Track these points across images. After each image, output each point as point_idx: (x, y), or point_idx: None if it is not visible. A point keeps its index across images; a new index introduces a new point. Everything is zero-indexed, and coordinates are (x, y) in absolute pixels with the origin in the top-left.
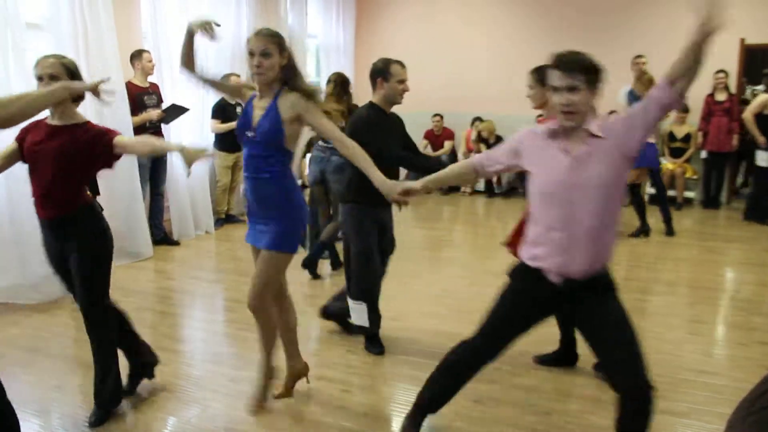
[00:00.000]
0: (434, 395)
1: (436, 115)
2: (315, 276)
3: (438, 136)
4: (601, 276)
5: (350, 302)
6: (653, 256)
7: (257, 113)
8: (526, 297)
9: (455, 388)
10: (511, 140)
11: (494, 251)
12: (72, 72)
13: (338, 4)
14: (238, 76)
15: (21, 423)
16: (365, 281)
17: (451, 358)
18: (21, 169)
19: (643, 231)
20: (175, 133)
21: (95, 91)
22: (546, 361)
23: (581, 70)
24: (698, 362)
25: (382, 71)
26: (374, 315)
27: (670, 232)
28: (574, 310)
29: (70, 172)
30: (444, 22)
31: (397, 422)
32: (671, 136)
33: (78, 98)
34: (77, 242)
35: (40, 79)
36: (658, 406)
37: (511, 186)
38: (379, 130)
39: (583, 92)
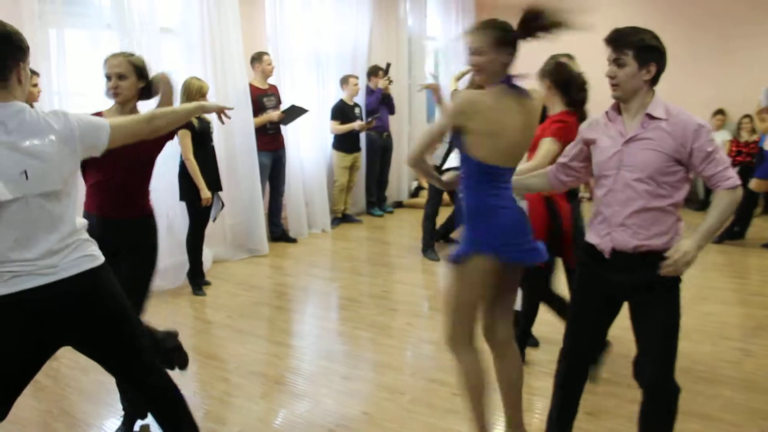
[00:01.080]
0: (555, 412)
1: None
2: None
3: None
4: (656, 256)
5: None
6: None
7: None
8: (588, 279)
9: (569, 401)
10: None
11: None
12: (140, 70)
13: (458, 5)
14: (357, 77)
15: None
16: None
17: (558, 369)
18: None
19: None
20: (293, 134)
21: (220, 112)
22: None
23: (629, 45)
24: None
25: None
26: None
27: None
28: (630, 295)
29: (147, 171)
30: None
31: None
32: None
33: (145, 95)
34: (135, 250)
35: (108, 78)
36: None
37: None
38: None
39: (629, 68)
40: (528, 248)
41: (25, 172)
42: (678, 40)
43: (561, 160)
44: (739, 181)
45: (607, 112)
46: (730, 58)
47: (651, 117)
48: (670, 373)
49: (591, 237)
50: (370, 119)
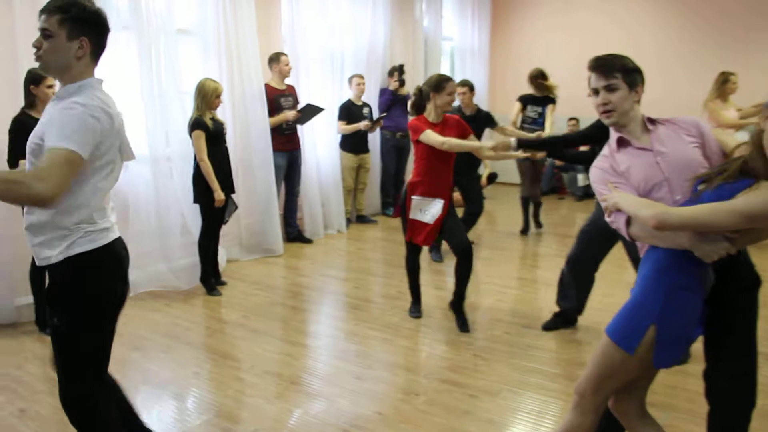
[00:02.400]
0: None
1: (571, 119)
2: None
3: None
4: (733, 260)
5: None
6: None
7: None
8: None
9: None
10: None
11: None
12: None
13: (473, 6)
14: (362, 77)
15: (160, 404)
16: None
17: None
18: (165, 163)
19: None
20: (309, 134)
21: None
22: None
23: (617, 69)
24: None
25: None
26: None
27: None
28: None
29: None
30: (584, 24)
31: (520, 429)
32: None
33: None
34: None
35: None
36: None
37: None
38: None
39: (621, 91)
40: None
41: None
42: (689, 42)
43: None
44: None
45: (618, 140)
46: (747, 58)
47: (651, 121)
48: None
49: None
50: (376, 119)
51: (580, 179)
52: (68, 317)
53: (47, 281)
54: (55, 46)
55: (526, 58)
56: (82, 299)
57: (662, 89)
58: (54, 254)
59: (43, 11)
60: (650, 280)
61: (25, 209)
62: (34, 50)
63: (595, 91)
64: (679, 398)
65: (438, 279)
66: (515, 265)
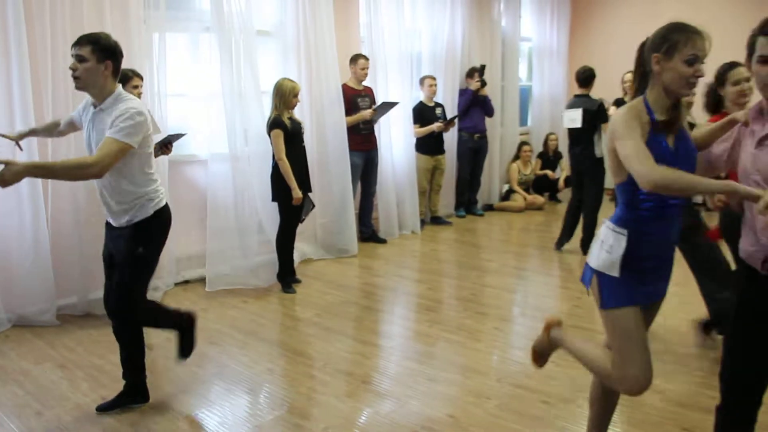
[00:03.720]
0: None
1: None
2: None
3: None
4: None
5: None
6: None
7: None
8: (747, 305)
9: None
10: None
11: None
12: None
13: (552, 6)
14: (434, 78)
15: (234, 398)
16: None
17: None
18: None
19: None
20: (385, 135)
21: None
22: None
23: None
24: None
25: None
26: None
27: None
28: None
29: None
30: (666, 15)
31: None
32: None
33: None
34: None
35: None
36: None
37: None
38: None
39: None
40: None
41: None
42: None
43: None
44: None
45: (754, 112)
46: None
47: None
48: None
49: (741, 251)
50: (449, 119)
51: None
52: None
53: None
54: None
55: (608, 56)
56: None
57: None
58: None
59: (76, 43)
60: None
61: None
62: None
63: (763, 60)
64: None
65: (519, 283)
66: None
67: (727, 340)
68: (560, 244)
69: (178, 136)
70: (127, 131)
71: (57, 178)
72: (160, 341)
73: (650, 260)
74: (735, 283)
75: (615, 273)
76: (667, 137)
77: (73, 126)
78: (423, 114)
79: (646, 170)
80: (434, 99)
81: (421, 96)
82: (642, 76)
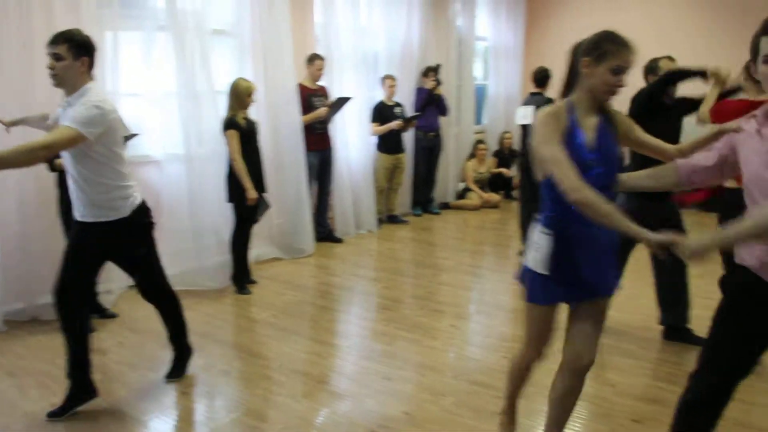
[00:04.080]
0: None
1: None
2: None
3: None
4: None
5: None
6: None
7: None
8: (739, 308)
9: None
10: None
11: None
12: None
13: (508, 5)
14: (393, 78)
15: (189, 401)
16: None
17: (686, 396)
18: (198, 162)
19: None
20: (341, 134)
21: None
22: None
23: None
24: None
25: None
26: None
27: None
28: None
29: None
30: (618, 24)
31: None
32: None
33: None
34: None
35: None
36: None
37: None
38: None
39: None
40: None
41: None
42: (732, 41)
43: (701, 163)
44: None
45: (756, 117)
46: None
47: None
48: None
49: (744, 259)
50: (408, 119)
51: None
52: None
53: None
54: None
55: (561, 57)
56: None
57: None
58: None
59: (52, 42)
60: None
61: None
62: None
63: None
64: None
65: (474, 281)
66: None
67: (714, 343)
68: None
69: (131, 136)
70: (81, 120)
71: (10, 166)
72: (111, 345)
73: (580, 259)
74: (727, 286)
75: (544, 271)
76: (586, 136)
77: (56, 121)
78: (383, 113)
79: (569, 185)
80: (394, 98)
81: (378, 95)
82: (571, 76)
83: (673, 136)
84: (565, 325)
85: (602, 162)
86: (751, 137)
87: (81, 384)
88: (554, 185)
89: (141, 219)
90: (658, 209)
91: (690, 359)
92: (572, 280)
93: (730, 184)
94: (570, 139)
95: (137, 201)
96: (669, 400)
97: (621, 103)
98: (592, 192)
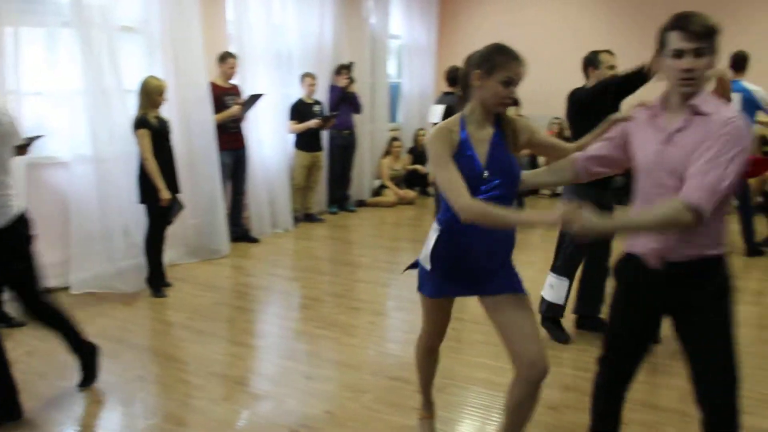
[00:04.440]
0: (597, 421)
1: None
2: None
3: None
4: (710, 265)
5: (552, 277)
6: (743, 264)
7: None
8: (630, 294)
9: (609, 410)
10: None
11: None
12: None
13: (421, 4)
14: (312, 76)
15: (105, 410)
16: (575, 260)
17: (597, 380)
18: (108, 163)
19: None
20: (255, 133)
21: None
22: None
23: (711, 32)
24: None
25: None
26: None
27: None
28: (678, 308)
29: None
30: (530, 22)
31: (468, 424)
32: (764, 140)
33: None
34: None
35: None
36: (746, 421)
37: None
38: None
39: (706, 58)
40: None
41: None
42: (633, 43)
43: (594, 152)
44: (699, 205)
45: (649, 106)
46: None
47: (695, 111)
48: (735, 399)
49: (633, 246)
50: (327, 117)
51: None
52: None
53: None
54: None
55: None
56: None
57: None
58: None
59: None
60: None
61: None
62: None
63: (678, 53)
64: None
65: (391, 277)
66: None
67: (611, 329)
68: None
69: (35, 138)
70: None
71: None
72: (19, 355)
73: (467, 259)
74: (619, 273)
75: (427, 266)
76: (476, 150)
77: None
78: (301, 111)
79: (460, 206)
80: (313, 96)
81: (293, 93)
82: (465, 88)
83: None
84: (494, 326)
85: (497, 173)
86: (644, 126)
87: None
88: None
89: (19, 231)
90: (599, 196)
91: None
92: (458, 276)
93: None
94: (461, 154)
95: (15, 211)
96: (585, 387)
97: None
98: (480, 205)
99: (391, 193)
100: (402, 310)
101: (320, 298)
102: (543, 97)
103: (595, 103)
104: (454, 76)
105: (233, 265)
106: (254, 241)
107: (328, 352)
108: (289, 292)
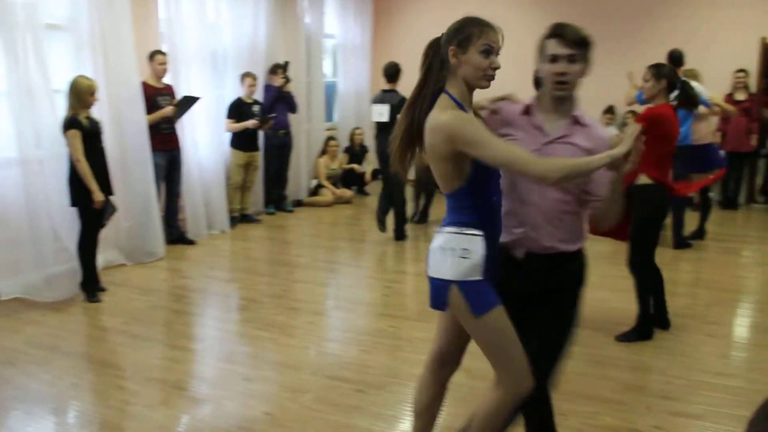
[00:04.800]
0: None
1: None
2: None
3: None
4: (567, 258)
5: None
6: (670, 256)
7: None
8: (506, 283)
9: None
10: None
11: None
12: None
13: (356, 3)
14: (252, 76)
15: (38, 422)
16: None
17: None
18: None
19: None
20: (190, 133)
21: None
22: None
23: (584, 41)
24: (715, 364)
25: None
26: None
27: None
28: (538, 295)
29: None
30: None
31: (409, 423)
32: None
33: None
34: None
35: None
36: (675, 408)
37: None
38: None
39: (579, 65)
40: None
41: None
42: None
43: None
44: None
45: (526, 106)
46: (617, 58)
47: (576, 121)
48: (556, 365)
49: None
50: (265, 117)
51: None
52: None
53: None
54: None
55: (410, 53)
56: None
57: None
58: None
59: None
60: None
61: None
62: None
63: (554, 58)
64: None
65: (329, 276)
66: (399, 259)
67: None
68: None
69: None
70: None
71: None
72: None
73: (496, 257)
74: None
75: (478, 276)
76: None
77: None
78: (240, 110)
79: (543, 170)
80: (253, 96)
81: (228, 92)
82: (428, 70)
83: None
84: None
85: None
86: (523, 124)
87: None
88: (475, 189)
89: None
90: None
91: None
92: (492, 283)
93: (642, 180)
94: None
95: None
96: None
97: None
98: (559, 161)
99: (328, 193)
100: (341, 309)
101: (258, 299)
102: (481, 95)
103: None
104: (392, 72)
105: (169, 267)
106: (190, 242)
107: (267, 353)
108: (226, 294)
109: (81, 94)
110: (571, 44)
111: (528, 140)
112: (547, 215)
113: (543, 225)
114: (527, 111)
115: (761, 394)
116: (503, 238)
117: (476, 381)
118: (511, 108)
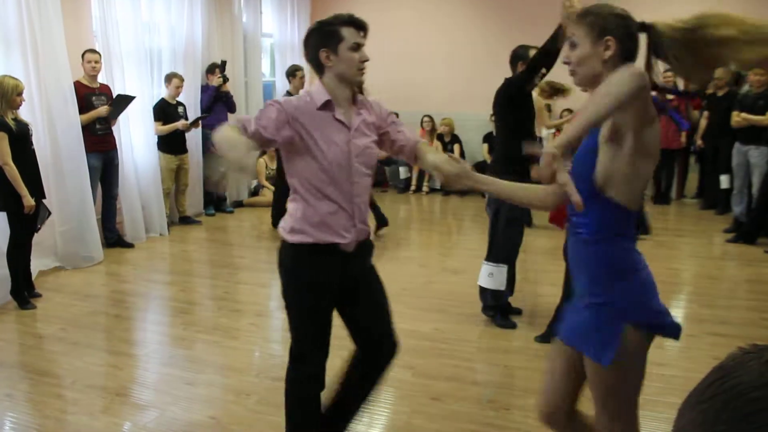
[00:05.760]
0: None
1: (391, 113)
2: None
3: None
4: (370, 244)
5: (489, 266)
6: None
7: None
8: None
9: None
10: (275, 108)
11: (451, 249)
12: None
13: (293, 2)
14: (179, 77)
15: None
16: (512, 244)
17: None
18: None
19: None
20: (125, 134)
21: None
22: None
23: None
24: (651, 355)
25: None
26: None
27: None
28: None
29: None
30: (399, 20)
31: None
32: None
33: None
34: None
35: None
36: None
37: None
38: None
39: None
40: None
41: None
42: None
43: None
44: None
45: (312, 98)
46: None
47: (362, 105)
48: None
49: (328, 237)
50: (195, 119)
51: (402, 172)
52: None
53: None
54: None
55: None
56: None
57: (476, 85)
58: None
59: None
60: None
61: None
62: None
63: (356, 48)
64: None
65: (271, 277)
66: None
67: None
68: None
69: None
70: None
71: None
72: None
73: None
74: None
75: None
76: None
77: None
78: (165, 111)
79: (628, 78)
80: (178, 98)
81: (164, 93)
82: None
83: (531, 121)
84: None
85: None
86: (321, 120)
87: None
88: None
89: None
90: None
91: (487, 337)
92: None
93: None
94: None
95: None
96: (465, 376)
97: (426, 93)
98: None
99: (269, 193)
100: (284, 310)
101: (200, 302)
102: (415, 94)
103: (528, 84)
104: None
105: (108, 271)
106: (129, 246)
107: (211, 357)
108: (167, 298)
109: (7, 95)
110: (366, 33)
111: (334, 137)
112: (364, 200)
113: (366, 211)
114: (321, 105)
115: (694, 382)
116: (336, 238)
117: (420, 377)
118: (305, 104)
